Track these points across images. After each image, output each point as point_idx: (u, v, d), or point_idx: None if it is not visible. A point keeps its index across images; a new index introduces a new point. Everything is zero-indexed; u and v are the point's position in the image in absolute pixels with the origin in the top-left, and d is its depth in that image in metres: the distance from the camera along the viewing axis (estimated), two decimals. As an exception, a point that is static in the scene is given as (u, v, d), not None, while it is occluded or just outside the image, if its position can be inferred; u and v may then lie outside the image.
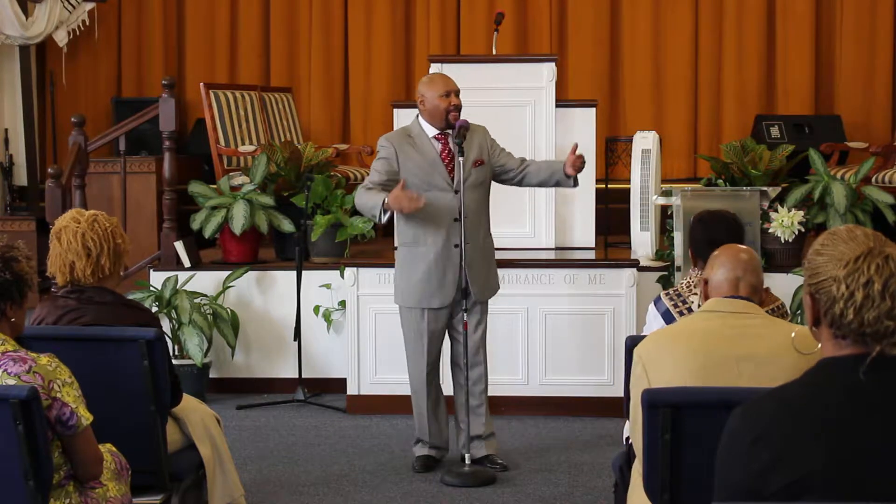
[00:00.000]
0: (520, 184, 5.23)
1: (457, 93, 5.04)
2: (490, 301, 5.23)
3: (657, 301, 4.08)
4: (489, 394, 5.25)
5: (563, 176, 5.06)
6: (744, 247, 3.26)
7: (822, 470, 1.90)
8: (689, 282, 4.07)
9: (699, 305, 3.87)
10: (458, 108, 5.03)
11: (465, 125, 4.99)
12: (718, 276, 3.12)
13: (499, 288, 5.26)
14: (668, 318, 3.96)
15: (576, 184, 5.13)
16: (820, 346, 2.06)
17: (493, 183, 5.21)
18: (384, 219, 4.90)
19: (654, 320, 4.05)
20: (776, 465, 1.93)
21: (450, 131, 5.04)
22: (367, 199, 4.93)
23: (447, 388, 5.34)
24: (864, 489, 1.89)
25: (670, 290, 4.09)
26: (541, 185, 5.28)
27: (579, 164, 4.99)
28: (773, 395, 2.03)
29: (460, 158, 4.94)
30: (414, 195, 4.82)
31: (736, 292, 3.08)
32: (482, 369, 5.17)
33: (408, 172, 5.00)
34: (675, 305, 4.00)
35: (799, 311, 6.02)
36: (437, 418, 5.22)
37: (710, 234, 4.06)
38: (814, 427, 1.94)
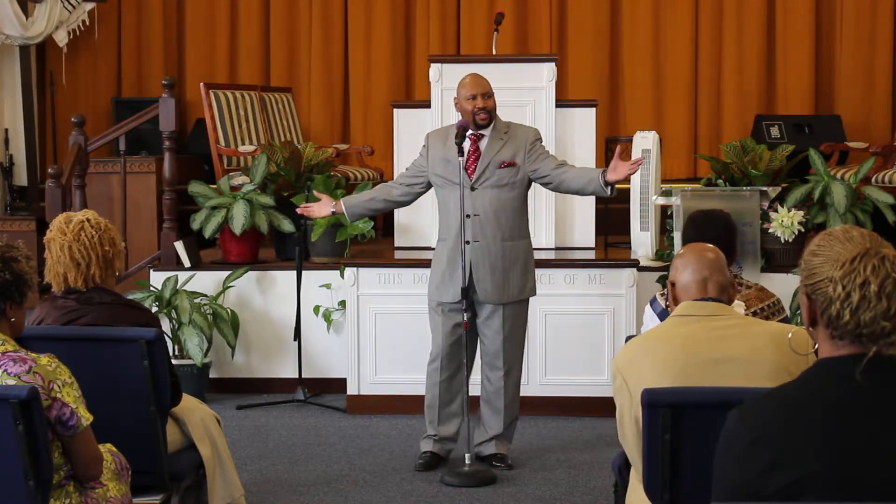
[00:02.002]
0: (556, 190, 5.22)
1: (485, 95, 5.06)
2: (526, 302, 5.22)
3: (653, 302, 4.08)
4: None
5: (600, 185, 4.95)
6: (709, 245, 3.21)
7: (821, 470, 1.91)
8: None
9: None
10: (486, 109, 5.04)
11: (465, 125, 5.03)
12: (686, 278, 3.08)
13: (524, 294, 5.18)
14: (664, 317, 3.96)
15: (613, 192, 5.02)
16: (816, 346, 2.06)
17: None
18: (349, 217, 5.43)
19: (650, 321, 4.05)
20: (775, 465, 1.93)
21: (483, 132, 5.09)
22: None
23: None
24: (863, 489, 1.89)
25: (666, 291, 4.09)
26: (577, 192, 5.20)
27: (633, 168, 4.91)
28: (771, 396, 2.03)
29: (460, 158, 4.98)
30: (313, 205, 5.38)
31: (705, 294, 3.05)
32: (501, 374, 5.16)
33: (432, 169, 5.14)
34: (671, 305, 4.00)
35: (799, 311, 6.02)
36: (445, 413, 5.22)
37: (702, 234, 4.06)
38: (813, 427, 1.94)
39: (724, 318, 2.98)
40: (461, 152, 4.98)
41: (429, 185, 5.21)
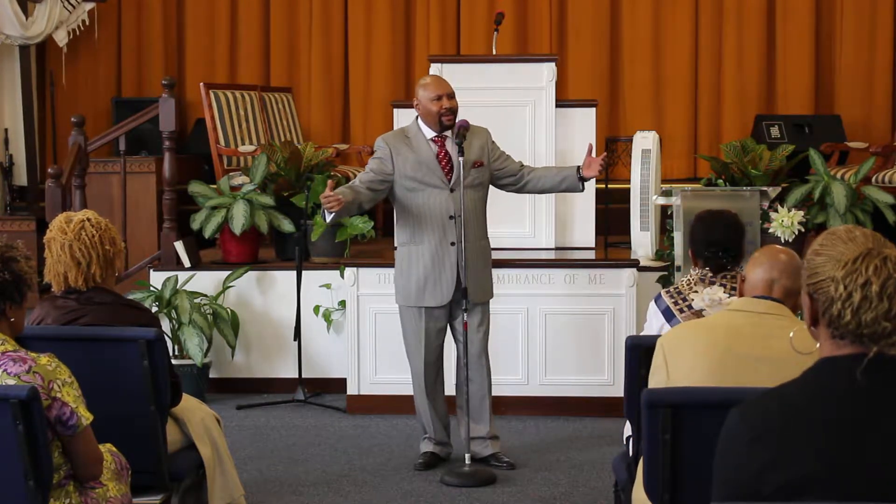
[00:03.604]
0: (520, 190, 5.26)
1: (450, 95, 5.05)
2: (490, 301, 5.24)
3: (658, 298, 4.09)
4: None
5: (576, 180, 5.10)
6: (785, 248, 3.23)
7: (820, 470, 1.90)
8: (689, 280, 4.08)
9: (713, 303, 3.90)
10: (452, 110, 5.03)
11: (466, 125, 5.02)
12: (755, 276, 3.11)
13: (491, 294, 5.24)
14: (668, 315, 3.97)
15: (583, 187, 5.21)
16: (818, 345, 2.06)
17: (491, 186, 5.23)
18: (328, 218, 4.93)
19: (654, 318, 4.05)
20: (774, 464, 1.93)
21: (447, 133, 5.08)
22: None
23: (449, 388, 5.34)
24: (862, 489, 1.89)
25: (671, 288, 4.10)
26: (546, 191, 5.31)
27: (604, 162, 5.06)
28: (771, 395, 2.03)
29: (460, 158, 4.97)
30: (331, 195, 4.79)
31: (769, 293, 3.07)
32: (485, 371, 5.17)
33: (402, 171, 5.07)
34: (676, 303, 4.00)
35: (799, 312, 6.01)
36: (439, 417, 5.25)
37: (709, 233, 4.06)
38: (812, 427, 1.94)
39: (776, 318, 2.98)
40: (461, 152, 4.97)
41: (386, 193, 5.13)
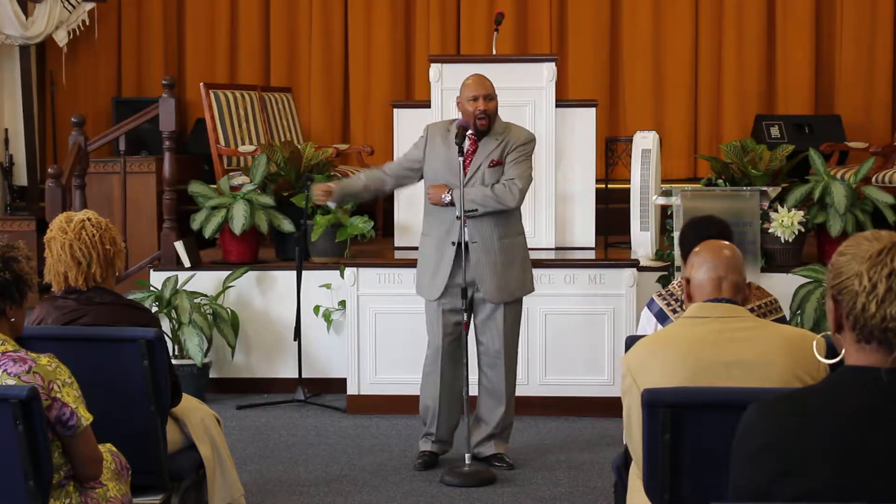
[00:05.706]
0: None
1: (487, 97, 5.03)
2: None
3: (650, 303, 4.08)
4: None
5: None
6: (725, 242, 3.17)
7: (830, 481, 1.88)
8: (680, 282, 4.08)
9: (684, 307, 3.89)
10: (486, 113, 5.02)
11: (466, 124, 5.01)
12: (700, 276, 3.04)
13: (523, 291, 5.19)
14: (661, 318, 3.96)
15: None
16: (843, 352, 2.01)
17: None
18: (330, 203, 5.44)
19: (647, 323, 4.04)
20: (786, 472, 1.90)
21: (482, 133, 5.07)
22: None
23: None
24: (874, 500, 1.86)
25: (662, 291, 4.09)
26: None
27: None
28: (790, 398, 2.00)
29: (460, 158, 4.97)
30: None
31: (719, 294, 3.01)
32: (502, 372, 5.15)
33: (430, 165, 5.11)
34: (669, 304, 4.00)
35: (799, 311, 6.01)
36: (447, 414, 5.22)
37: (700, 237, 4.05)
38: (824, 439, 1.92)
39: (736, 321, 2.94)
40: (461, 152, 4.97)
41: (419, 179, 5.20)
